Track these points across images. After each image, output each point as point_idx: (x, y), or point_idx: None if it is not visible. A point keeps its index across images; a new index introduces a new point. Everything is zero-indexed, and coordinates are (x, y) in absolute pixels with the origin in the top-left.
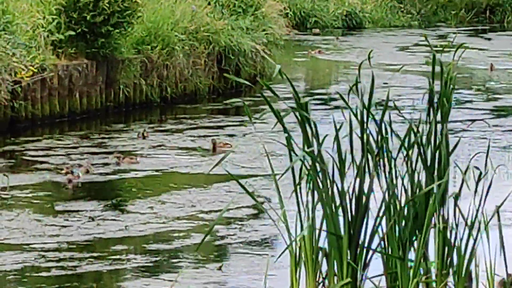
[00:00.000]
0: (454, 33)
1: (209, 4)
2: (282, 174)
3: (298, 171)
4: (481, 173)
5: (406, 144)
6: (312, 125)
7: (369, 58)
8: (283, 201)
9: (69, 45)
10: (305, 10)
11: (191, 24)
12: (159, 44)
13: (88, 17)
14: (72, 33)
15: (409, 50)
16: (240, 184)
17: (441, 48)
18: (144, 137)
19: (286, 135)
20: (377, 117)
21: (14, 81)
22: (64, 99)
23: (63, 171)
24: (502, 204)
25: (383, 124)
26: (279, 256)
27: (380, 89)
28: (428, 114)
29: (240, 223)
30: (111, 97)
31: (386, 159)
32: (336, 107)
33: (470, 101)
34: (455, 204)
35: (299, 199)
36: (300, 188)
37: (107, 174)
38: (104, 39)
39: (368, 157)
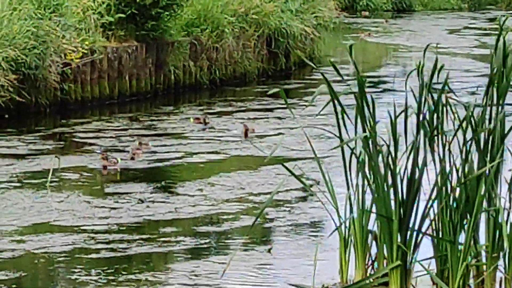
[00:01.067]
0: (503, 15)
1: None
2: (338, 146)
3: (347, 153)
4: None
5: (460, 126)
6: (370, 104)
7: (436, 46)
8: (333, 184)
9: (119, 27)
10: None
11: (241, 6)
12: (208, 26)
13: (137, 0)
14: (122, 15)
15: (459, 33)
16: (285, 167)
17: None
18: (205, 123)
19: (339, 115)
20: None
21: (64, 63)
22: (114, 81)
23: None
24: None
25: (439, 106)
26: (329, 235)
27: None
28: (486, 95)
29: (289, 205)
30: (161, 79)
31: (439, 141)
32: (386, 90)
33: None
34: (509, 188)
35: (349, 181)
36: (350, 170)
37: (156, 156)
38: (153, 22)
39: (422, 139)
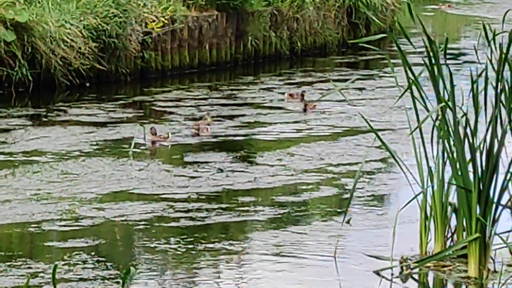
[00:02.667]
0: None
1: None
2: (417, 127)
3: (429, 125)
4: None
5: None
6: (448, 75)
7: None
8: (415, 156)
9: None
10: None
11: None
12: None
13: None
14: None
15: None
16: (378, 136)
17: None
18: (305, 110)
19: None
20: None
21: (144, 32)
22: (194, 50)
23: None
24: None
25: None
26: (405, 206)
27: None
28: None
29: (368, 176)
30: (240, 49)
31: None
32: (466, 62)
33: None
34: None
35: (429, 154)
36: (432, 142)
37: (236, 126)
38: None
39: (502, 111)
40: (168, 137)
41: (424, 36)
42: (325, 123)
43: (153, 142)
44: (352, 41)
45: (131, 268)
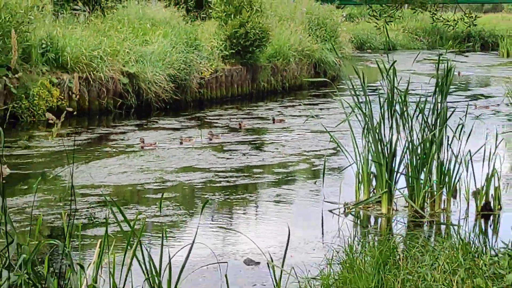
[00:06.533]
0: (445, 52)
1: (309, 35)
2: (343, 121)
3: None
4: (462, 125)
5: (419, 111)
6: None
7: (393, 63)
8: (352, 146)
9: (231, 57)
10: (363, 38)
11: (299, 46)
12: (281, 57)
13: (241, 42)
14: (232, 51)
15: (421, 62)
16: (331, 136)
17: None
18: (273, 121)
19: (351, 109)
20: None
21: (200, 77)
22: (228, 88)
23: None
24: (479, 149)
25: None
26: (344, 169)
27: (401, 84)
28: (434, 94)
29: (327, 158)
30: (254, 87)
31: (408, 122)
32: (377, 91)
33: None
34: (448, 147)
35: (360, 144)
36: (362, 138)
37: (252, 130)
38: (250, 55)
39: (397, 119)
40: (217, 136)
41: (358, 77)
42: (300, 128)
43: (210, 138)
44: (306, 79)
45: (209, 200)
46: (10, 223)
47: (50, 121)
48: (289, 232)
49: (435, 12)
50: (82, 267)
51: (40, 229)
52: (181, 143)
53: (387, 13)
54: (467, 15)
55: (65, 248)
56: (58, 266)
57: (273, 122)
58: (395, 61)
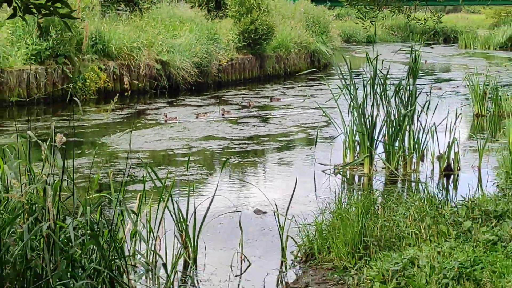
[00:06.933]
0: (415, 44)
1: (306, 31)
2: (330, 99)
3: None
4: (427, 101)
5: (395, 91)
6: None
7: (377, 57)
8: (341, 119)
9: (243, 49)
10: (349, 33)
11: (298, 39)
12: (283, 48)
13: (252, 36)
14: (244, 43)
15: (396, 52)
16: (323, 111)
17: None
18: (271, 100)
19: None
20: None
21: (218, 64)
22: (241, 73)
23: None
24: (443, 121)
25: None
26: (334, 138)
27: (381, 70)
28: (406, 78)
29: (320, 129)
30: (262, 72)
31: (386, 101)
32: (361, 76)
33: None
34: (418, 120)
35: (346, 118)
36: (348, 113)
37: (261, 107)
38: (259, 46)
39: (377, 98)
40: (228, 112)
41: (346, 64)
42: (299, 105)
43: (223, 114)
44: (298, 74)
45: (226, 161)
46: (71, 179)
47: (111, 100)
48: (295, 186)
49: (409, 14)
50: (134, 212)
51: (93, 186)
52: (197, 117)
53: (371, 15)
54: (435, 14)
55: (119, 197)
56: (107, 215)
57: (271, 101)
58: (380, 54)
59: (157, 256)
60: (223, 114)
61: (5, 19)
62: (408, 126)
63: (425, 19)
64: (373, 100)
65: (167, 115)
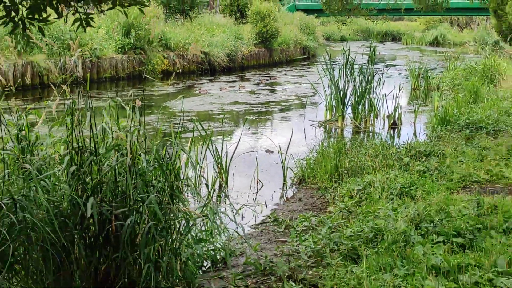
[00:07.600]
0: (372, 42)
1: (300, 32)
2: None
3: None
4: (379, 78)
5: (360, 72)
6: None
7: (349, 50)
8: (323, 90)
9: (258, 44)
10: (329, 34)
11: (295, 38)
12: (285, 44)
13: (264, 36)
14: (259, 40)
15: (359, 47)
16: (312, 85)
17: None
18: (270, 78)
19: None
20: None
21: (242, 54)
22: (257, 60)
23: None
24: (391, 92)
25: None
26: (319, 104)
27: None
28: (367, 63)
29: (309, 97)
30: (271, 59)
31: (353, 77)
32: (336, 63)
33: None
34: (374, 91)
35: (327, 89)
36: (329, 86)
37: (270, 83)
38: (269, 42)
39: (348, 76)
40: (243, 86)
41: (327, 54)
42: (296, 82)
43: (239, 88)
44: (294, 58)
45: (247, 118)
46: (143, 128)
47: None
48: (291, 135)
49: (369, 19)
50: (186, 152)
51: (159, 133)
52: (220, 90)
53: (343, 19)
54: (385, 20)
55: (175, 140)
56: (169, 153)
57: (270, 79)
58: (349, 48)
59: (202, 179)
60: (239, 88)
61: (106, 9)
62: (368, 95)
63: (378, 21)
64: (345, 78)
65: (201, 89)
